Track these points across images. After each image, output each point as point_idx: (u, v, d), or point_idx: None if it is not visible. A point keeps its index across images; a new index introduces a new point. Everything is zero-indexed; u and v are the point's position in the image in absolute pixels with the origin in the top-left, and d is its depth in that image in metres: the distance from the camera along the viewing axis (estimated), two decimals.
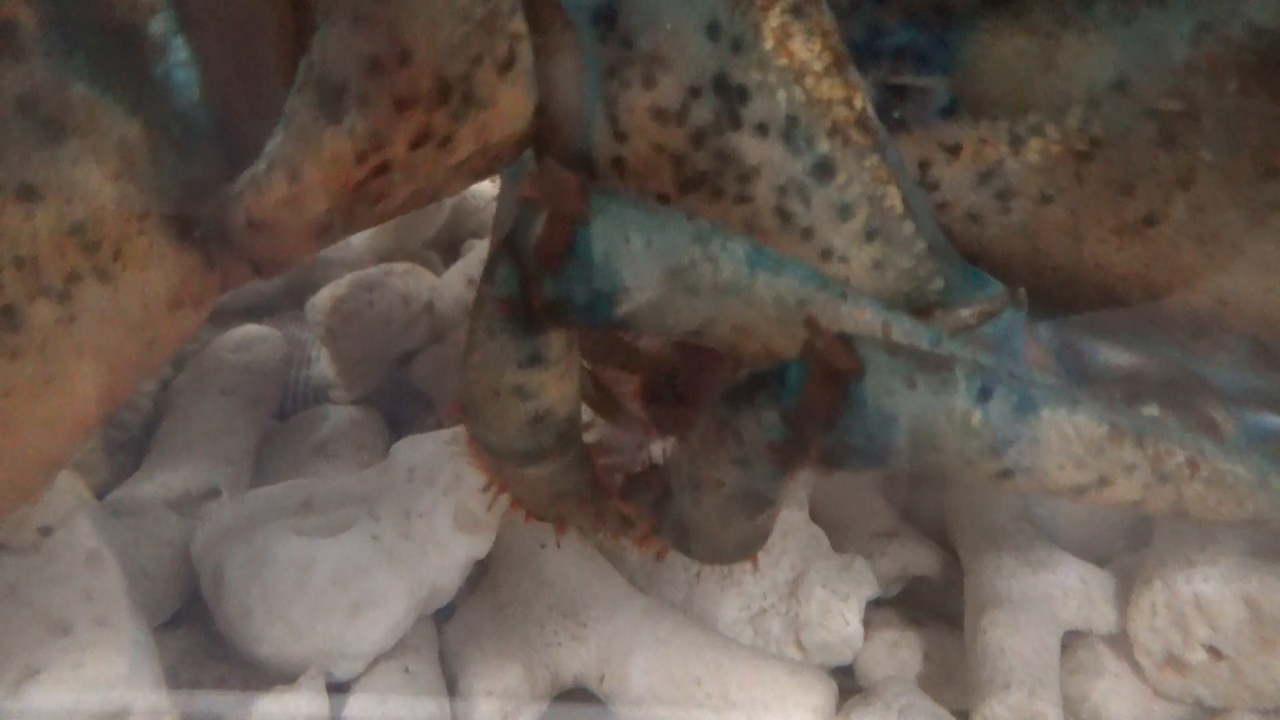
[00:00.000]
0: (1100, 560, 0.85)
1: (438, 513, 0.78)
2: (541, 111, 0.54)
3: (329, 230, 0.49)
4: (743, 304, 0.53)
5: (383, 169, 0.49)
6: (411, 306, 1.00)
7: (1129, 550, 0.85)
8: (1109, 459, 0.53)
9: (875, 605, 0.87)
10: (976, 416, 0.53)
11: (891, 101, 0.60)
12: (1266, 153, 0.55)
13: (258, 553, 0.74)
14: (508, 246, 0.51)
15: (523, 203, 0.51)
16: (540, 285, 0.49)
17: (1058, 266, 0.61)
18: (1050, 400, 0.53)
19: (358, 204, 0.49)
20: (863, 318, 0.54)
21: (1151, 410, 0.64)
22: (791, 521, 0.88)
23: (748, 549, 0.61)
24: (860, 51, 0.59)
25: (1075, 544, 0.86)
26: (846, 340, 0.51)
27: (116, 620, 0.68)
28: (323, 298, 0.99)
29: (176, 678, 0.72)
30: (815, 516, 0.89)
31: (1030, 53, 0.57)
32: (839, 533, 0.90)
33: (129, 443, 0.93)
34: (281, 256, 0.48)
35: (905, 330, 0.55)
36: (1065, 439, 0.53)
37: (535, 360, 0.53)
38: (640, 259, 0.50)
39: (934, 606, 0.89)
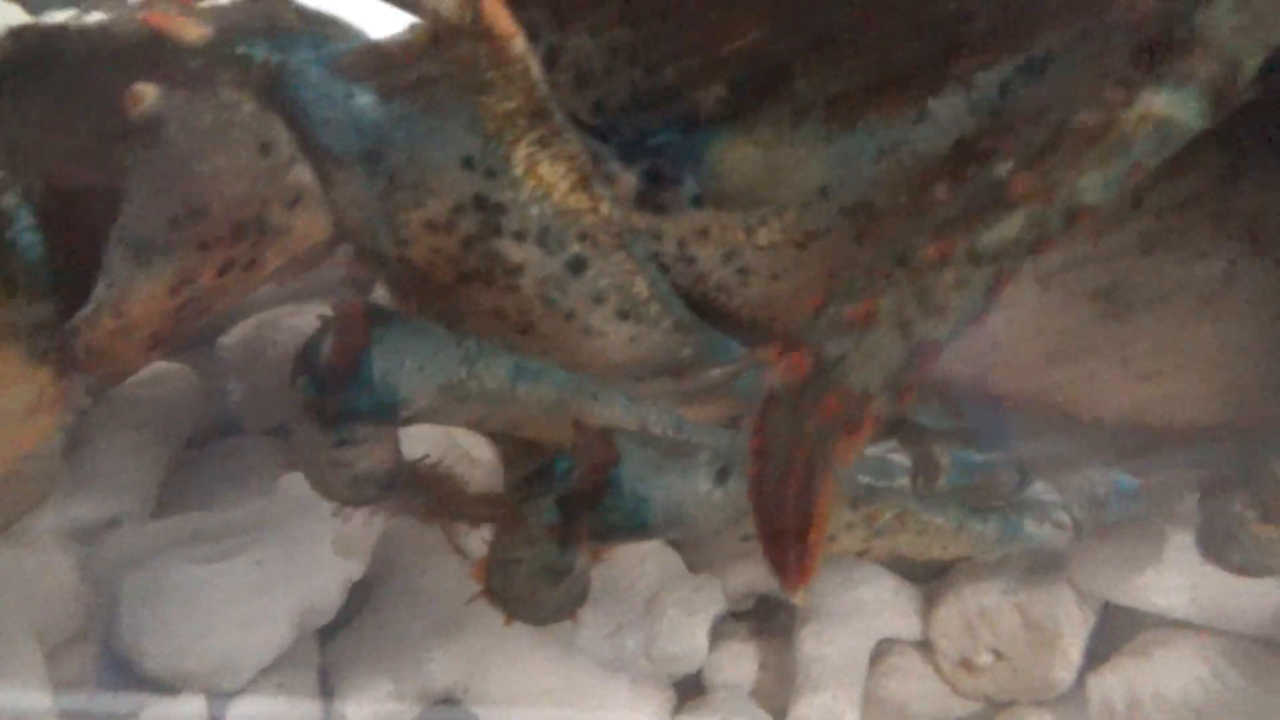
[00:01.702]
0: (911, 576, 0.96)
1: (318, 539, 0.90)
2: (338, 223, 0.66)
3: (160, 343, 0.62)
4: (510, 406, 0.66)
5: (196, 294, 0.61)
6: None
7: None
8: (832, 521, 0.65)
9: (725, 620, 0.98)
10: (717, 494, 0.65)
11: (655, 190, 0.72)
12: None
13: (152, 578, 0.85)
14: (303, 361, 0.64)
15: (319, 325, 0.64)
16: (330, 398, 0.63)
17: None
18: None
19: (180, 321, 0.62)
20: (615, 413, 0.67)
21: (881, 451, 0.76)
22: (651, 546, 0.99)
23: (564, 611, 0.73)
24: (629, 147, 0.71)
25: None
26: (606, 434, 0.64)
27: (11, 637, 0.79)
28: (233, 336, 1.09)
29: (69, 692, 0.84)
30: (674, 540, 1.01)
31: (757, 160, 0.70)
32: (695, 554, 1.01)
33: None
34: (121, 370, 0.61)
35: (655, 420, 0.68)
36: None
37: (344, 443, 0.66)
38: (414, 377, 0.63)
39: (777, 621, 1.00)
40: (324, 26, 0.66)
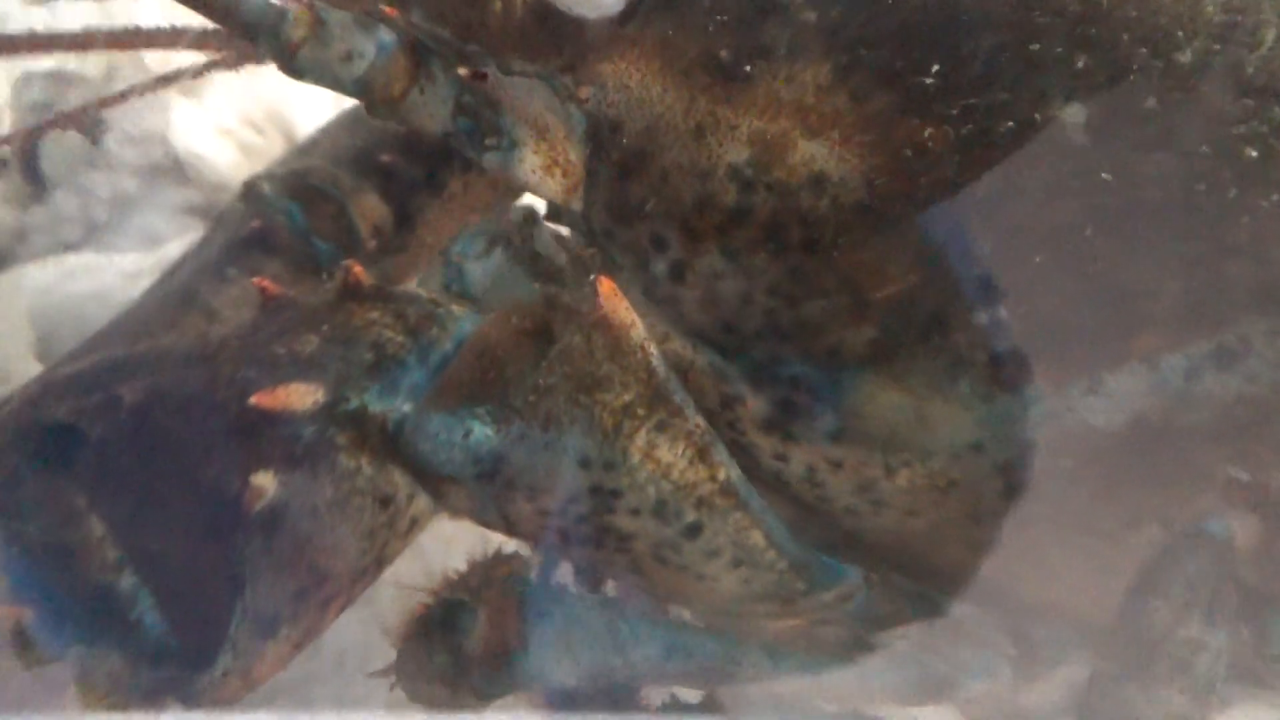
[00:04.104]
0: None
1: None
2: (450, 511, 0.63)
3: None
4: (659, 678, 0.68)
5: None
6: None
7: None
8: None
9: None
10: None
11: (787, 418, 0.67)
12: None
13: None
14: (438, 629, 0.61)
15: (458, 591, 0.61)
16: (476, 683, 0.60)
17: (917, 554, 0.71)
18: None
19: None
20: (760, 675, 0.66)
21: None
22: None
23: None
24: (761, 373, 0.66)
25: None
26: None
27: None
28: None
29: None
30: None
31: (905, 408, 0.65)
32: None
33: None
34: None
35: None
36: None
37: None
38: (565, 664, 0.63)
39: None
40: (425, 326, 0.61)
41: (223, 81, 1.36)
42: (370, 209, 0.95)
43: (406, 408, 0.60)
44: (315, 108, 1.25)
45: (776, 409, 0.67)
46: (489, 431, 0.60)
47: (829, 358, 0.65)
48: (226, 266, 0.92)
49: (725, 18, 0.66)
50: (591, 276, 0.60)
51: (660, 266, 0.67)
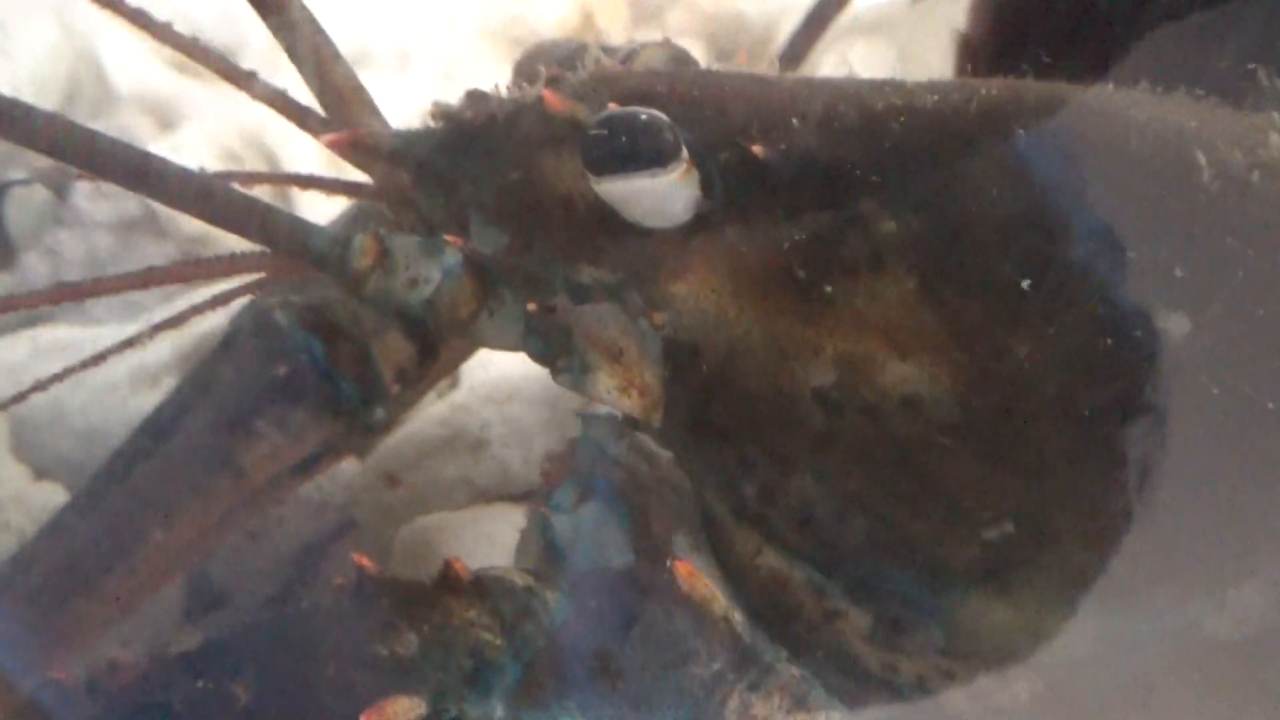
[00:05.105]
0: None
1: None
2: None
3: None
4: None
5: None
6: None
7: None
8: None
9: None
10: None
11: (893, 635, 0.65)
12: None
13: None
14: None
15: None
16: None
17: None
18: None
19: None
20: None
21: None
22: None
23: None
24: (862, 589, 0.64)
25: None
26: None
27: None
28: None
29: None
30: None
31: (1017, 626, 0.62)
32: None
33: None
34: None
35: None
36: None
37: None
38: None
39: None
40: (521, 624, 0.61)
41: (195, 112, 1.30)
42: (394, 350, 0.86)
43: (500, 710, 0.59)
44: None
45: (881, 624, 0.65)
46: None
47: (933, 576, 0.63)
48: (253, 419, 0.84)
49: (800, 232, 0.63)
50: (669, 561, 0.60)
51: (749, 488, 0.65)
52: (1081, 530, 0.60)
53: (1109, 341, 0.59)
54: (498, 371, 1.11)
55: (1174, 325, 0.59)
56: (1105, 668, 0.63)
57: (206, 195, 0.67)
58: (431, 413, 1.09)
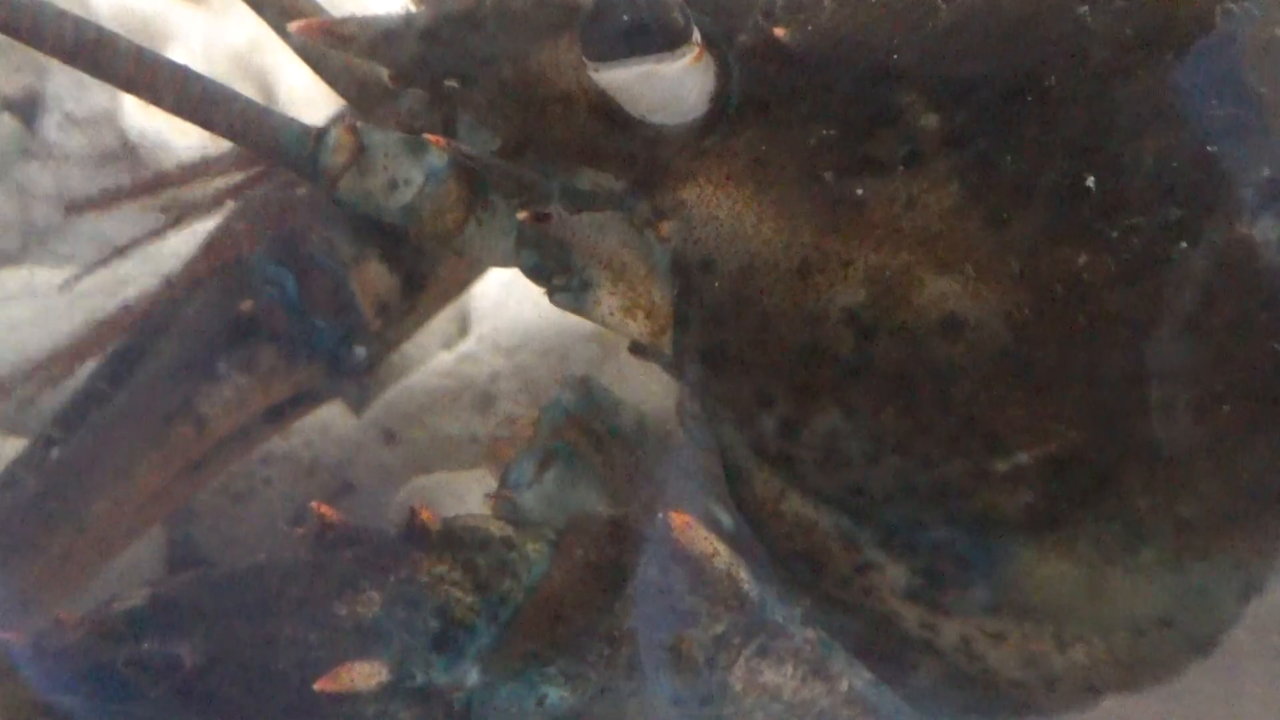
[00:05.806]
0: None
1: None
2: None
3: None
4: None
5: None
6: None
7: None
8: None
9: None
10: None
11: (932, 589, 0.58)
12: None
13: None
14: None
15: None
16: None
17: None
18: None
19: None
20: None
21: None
22: None
23: None
24: (897, 538, 0.57)
25: None
26: None
27: None
28: None
29: None
30: None
31: (1075, 578, 0.55)
32: None
33: None
34: None
35: None
36: None
37: None
38: None
39: None
40: (497, 580, 0.54)
41: (180, 32, 1.17)
42: (373, 280, 0.81)
43: (474, 676, 0.53)
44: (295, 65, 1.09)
45: (919, 578, 0.57)
46: (564, 693, 0.54)
47: (977, 524, 0.55)
48: (215, 360, 0.78)
49: (828, 128, 0.55)
50: (660, 514, 0.53)
51: (769, 424, 0.57)
52: (1147, 470, 0.53)
53: (1184, 250, 0.51)
54: (509, 318, 1.06)
55: (1258, 233, 0.51)
56: (1180, 631, 0.55)
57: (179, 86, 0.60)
58: (435, 364, 1.04)
